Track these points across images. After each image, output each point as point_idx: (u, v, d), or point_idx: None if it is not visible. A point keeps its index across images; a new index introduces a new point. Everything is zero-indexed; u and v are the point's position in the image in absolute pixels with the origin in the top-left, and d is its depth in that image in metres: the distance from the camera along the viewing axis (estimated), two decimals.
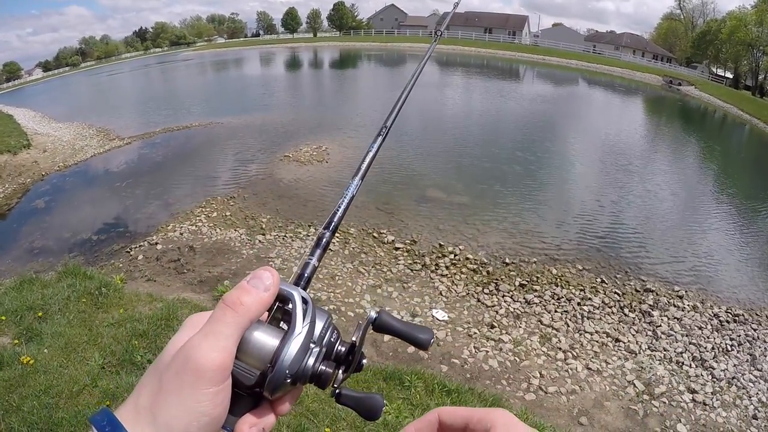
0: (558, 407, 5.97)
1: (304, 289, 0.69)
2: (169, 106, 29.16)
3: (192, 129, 21.96)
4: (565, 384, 6.39)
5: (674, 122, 32.27)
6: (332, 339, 0.63)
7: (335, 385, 0.64)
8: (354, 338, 0.66)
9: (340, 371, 0.64)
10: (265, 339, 0.58)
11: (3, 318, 5.34)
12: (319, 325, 0.62)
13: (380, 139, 0.92)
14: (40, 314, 5.42)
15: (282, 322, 0.63)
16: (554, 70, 55.32)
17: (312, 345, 0.60)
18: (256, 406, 0.60)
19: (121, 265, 9.35)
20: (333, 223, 0.76)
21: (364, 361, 0.66)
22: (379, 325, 0.66)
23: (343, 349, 0.64)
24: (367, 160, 0.87)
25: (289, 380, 0.57)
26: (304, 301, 0.62)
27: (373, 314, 0.66)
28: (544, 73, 52.94)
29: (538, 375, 6.50)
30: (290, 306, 0.61)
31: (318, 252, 0.73)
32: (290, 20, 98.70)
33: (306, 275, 0.70)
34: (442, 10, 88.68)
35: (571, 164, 17.85)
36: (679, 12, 76.41)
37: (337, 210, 0.78)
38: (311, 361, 0.60)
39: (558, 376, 6.54)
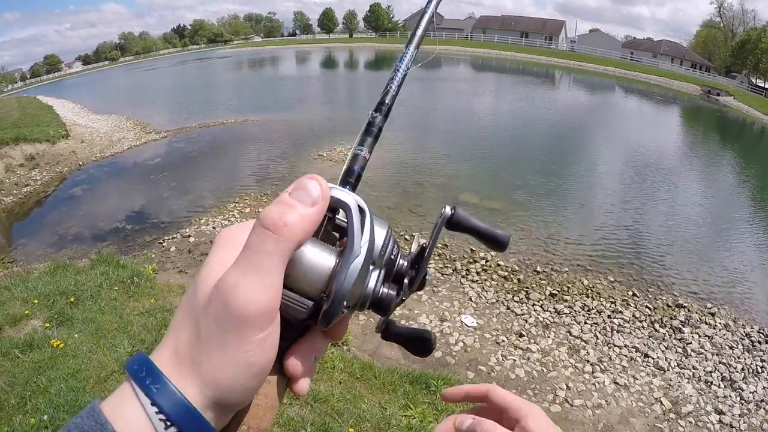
0: (583, 421, 5.85)
1: (353, 190, 0.56)
2: (205, 102, 29.63)
3: (228, 126, 22.23)
4: (592, 397, 6.26)
5: (711, 134, 31.19)
6: (392, 255, 0.53)
7: (381, 324, 0.56)
8: (423, 243, 0.58)
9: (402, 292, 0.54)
10: (317, 260, 0.46)
11: (36, 302, 5.46)
12: (379, 241, 0.51)
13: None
14: (72, 300, 5.52)
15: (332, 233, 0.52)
16: (591, 76, 54.29)
17: (371, 267, 0.50)
18: (304, 332, 0.50)
19: (153, 255, 9.49)
20: (386, 104, 0.63)
21: (428, 276, 0.57)
22: (456, 223, 0.57)
23: (405, 263, 0.55)
24: (422, 27, 0.69)
25: (346, 311, 0.46)
26: (361, 210, 0.49)
27: (449, 210, 0.57)
28: (580, 79, 52.01)
29: (565, 387, 6.38)
30: (341, 214, 0.50)
31: (369, 140, 0.59)
32: (327, 20, 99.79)
33: (356, 171, 0.56)
34: (478, 13, 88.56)
35: (605, 174, 17.51)
36: (719, 20, 74.39)
37: (389, 89, 0.64)
38: (371, 284, 0.50)
39: (585, 389, 6.41)
